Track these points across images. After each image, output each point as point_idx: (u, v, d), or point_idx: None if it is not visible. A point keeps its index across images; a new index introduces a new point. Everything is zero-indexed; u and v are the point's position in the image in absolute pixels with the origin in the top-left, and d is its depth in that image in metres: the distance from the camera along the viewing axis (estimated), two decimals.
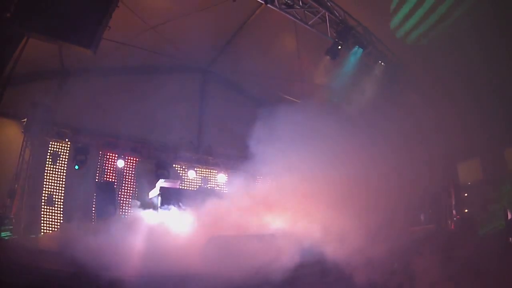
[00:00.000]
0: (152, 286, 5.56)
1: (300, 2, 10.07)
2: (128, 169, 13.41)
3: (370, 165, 9.18)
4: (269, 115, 9.75)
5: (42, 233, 11.14)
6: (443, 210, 11.03)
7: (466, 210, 11.31)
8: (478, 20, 8.90)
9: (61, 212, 11.65)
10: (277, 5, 9.91)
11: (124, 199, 12.96)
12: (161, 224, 8.40)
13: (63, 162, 12.14)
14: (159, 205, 9.97)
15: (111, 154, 13.12)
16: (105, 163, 13.06)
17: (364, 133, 9.90)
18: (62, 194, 11.82)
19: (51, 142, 12.03)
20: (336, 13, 10.43)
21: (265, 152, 9.29)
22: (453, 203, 11.18)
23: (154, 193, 10.74)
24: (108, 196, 11.72)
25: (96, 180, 12.69)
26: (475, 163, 11.92)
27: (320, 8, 10.26)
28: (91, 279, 5.16)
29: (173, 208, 9.36)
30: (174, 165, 14.58)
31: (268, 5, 9.83)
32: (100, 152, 12.93)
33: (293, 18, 10.39)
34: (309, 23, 10.45)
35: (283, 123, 9.58)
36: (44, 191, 11.57)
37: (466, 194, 11.95)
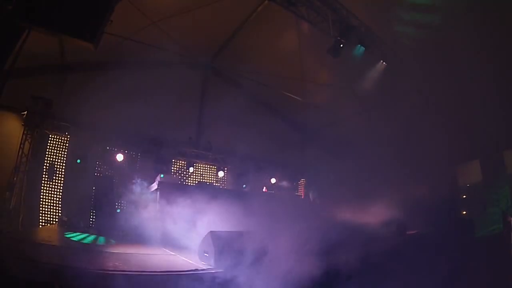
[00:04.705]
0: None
1: None
2: (127, 163, 13.39)
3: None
4: None
5: (40, 226, 11.15)
6: (441, 212, 11.05)
7: (464, 212, 11.33)
8: (477, 22, 8.87)
9: (60, 206, 11.67)
10: (280, 2, 9.88)
11: (123, 194, 12.94)
12: None
13: (62, 156, 12.16)
14: (157, 199, 10.01)
15: (110, 148, 13.11)
16: (105, 158, 13.06)
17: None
18: (61, 188, 11.85)
19: (50, 136, 12.03)
20: (339, 12, 10.39)
21: None
22: (452, 204, 11.20)
23: (152, 188, 10.77)
24: (106, 190, 11.73)
25: (96, 174, 12.70)
26: (474, 166, 11.93)
27: (323, 6, 10.22)
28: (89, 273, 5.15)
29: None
30: (173, 161, 14.62)
31: (271, 2, 9.81)
32: (100, 146, 12.92)
33: (295, 16, 10.36)
34: (312, 21, 10.41)
35: None
36: (43, 185, 11.59)
37: (464, 196, 11.98)
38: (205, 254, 6.43)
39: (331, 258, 6.27)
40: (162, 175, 10.99)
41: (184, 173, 14.79)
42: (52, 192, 11.72)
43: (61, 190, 11.82)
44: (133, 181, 12.89)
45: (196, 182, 14.61)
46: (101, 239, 9.05)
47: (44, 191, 11.61)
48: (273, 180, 16.02)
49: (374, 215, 8.87)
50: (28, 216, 10.76)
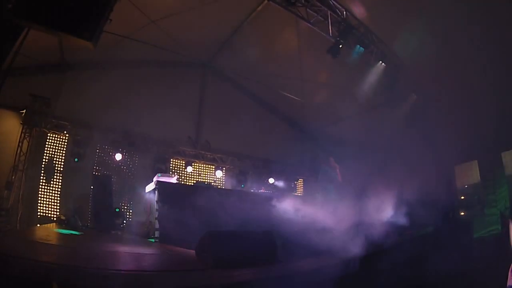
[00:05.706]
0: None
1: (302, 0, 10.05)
2: (125, 162, 13.39)
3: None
4: None
5: (39, 225, 11.13)
6: (440, 213, 11.06)
7: (462, 213, 11.33)
8: (476, 21, 8.88)
9: (58, 205, 11.66)
10: (279, 2, 9.88)
11: (121, 193, 12.94)
12: None
13: (61, 154, 12.15)
14: (155, 199, 9.98)
15: (109, 147, 13.10)
16: (103, 156, 13.05)
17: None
18: (60, 187, 11.83)
19: (49, 134, 12.01)
20: (338, 12, 10.40)
21: None
22: (451, 205, 11.21)
23: (150, 188, 10.74)
24: (105, 189, 11.71)
25: (94, 173, 12.69)
26: (473, 166, 11.95)
27: (322, 7, 10.23)
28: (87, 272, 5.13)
29: None
30: (172, 160, 14.62)
31: (270, 2, 9.80)
32: (98, 145, 12.92)
33: (295, 16, 10.37)
34: (311, 21, 10.42)
35: None
36: (41, 183, 11.57)
37: (463, 197, 11.99)
38: (204, 254, 6.42)
39: (334, 259, 6.27)
40: (159, 174, 10.97)
41: (182, 172, 14.78)
42: (50, 191, 11.70)
43: (59, 189, 11.81)
44: (132, 180, 12.95)
45: (194, 181, 14.60)
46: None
47: (42, 189, 11.59)
48: (271, 180, 16.03)
49: (373, 214, 8.88)
50: (26, 214, 10.76)
